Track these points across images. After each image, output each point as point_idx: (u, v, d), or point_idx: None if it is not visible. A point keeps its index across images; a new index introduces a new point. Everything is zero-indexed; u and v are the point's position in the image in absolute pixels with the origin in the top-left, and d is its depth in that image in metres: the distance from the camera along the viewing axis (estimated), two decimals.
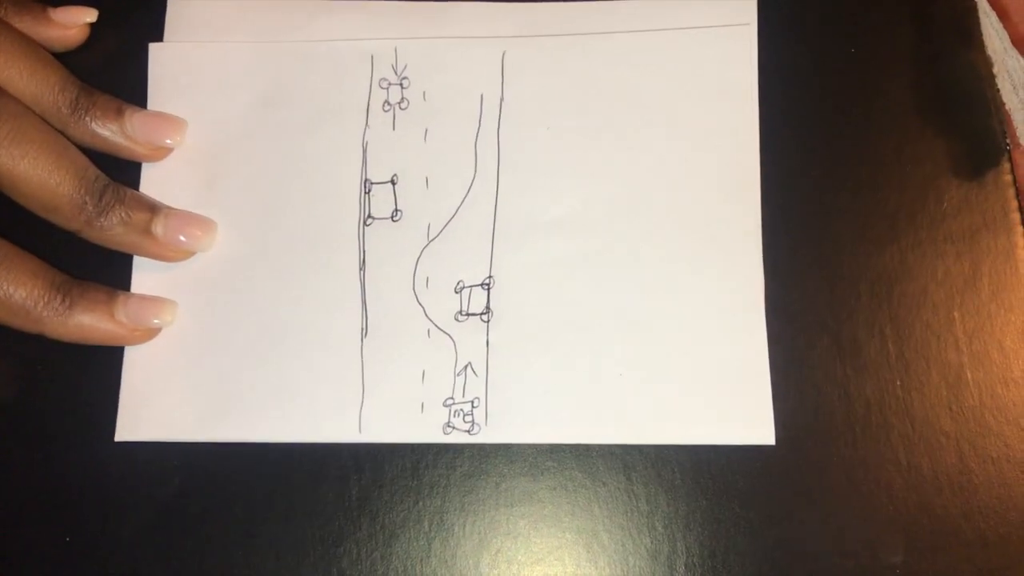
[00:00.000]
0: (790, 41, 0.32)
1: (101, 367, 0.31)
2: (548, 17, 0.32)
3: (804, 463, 0.29)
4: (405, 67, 0.32)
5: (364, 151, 0.32)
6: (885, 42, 0.32)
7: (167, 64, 0.33)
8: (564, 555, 0.29)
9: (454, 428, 0.30)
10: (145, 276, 0.32)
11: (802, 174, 0.32)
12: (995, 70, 0.32)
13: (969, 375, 0.30)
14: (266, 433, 0.30)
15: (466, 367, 0.30)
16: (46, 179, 0.29)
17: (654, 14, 0.32)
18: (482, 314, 0.31)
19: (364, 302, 0.31)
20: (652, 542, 0.29)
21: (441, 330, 0.31)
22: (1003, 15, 0.33)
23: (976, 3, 0.32)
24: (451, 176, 0.32)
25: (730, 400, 0.30)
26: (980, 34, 0.32)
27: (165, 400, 0.31)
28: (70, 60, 0.32)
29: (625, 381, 0.30)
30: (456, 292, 0.31)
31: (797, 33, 0.32)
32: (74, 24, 0.32)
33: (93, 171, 0.30)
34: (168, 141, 0.32)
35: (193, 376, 0.31)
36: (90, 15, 0.32)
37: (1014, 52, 0.33)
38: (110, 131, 0.31)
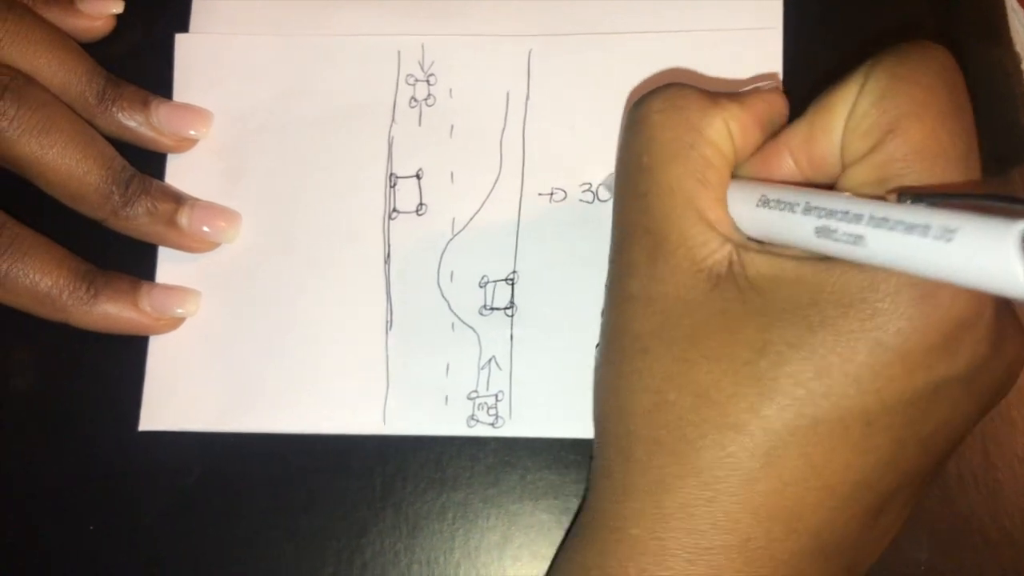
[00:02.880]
0: (815, 44, 0.32)
1: (125, 357, 0.31)
2: (574, 16, 0.33)
3: None
4: (432, 64, 0.32)
5: (390, 145, 0.32)
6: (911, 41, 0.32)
7: (193, 55, 0.33)
8: None
9: (478, 421, 0.30)
10: (170, 267, 0.32)
11: None
12: (1023, 67, 0.32)
13: None
14: (290, 424, 0.30)
15: (490, 361, 0.30)
16: (73, 168, 0.29)
17: (680, 16, 0.32)
18: (506, 308, 0.31)
19: (389, 295, 0.31)
20: None
21: (465, 324, 0.31)
22: None
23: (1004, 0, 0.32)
24: (476, 171, 0.32)
25: None
26: (1008, 30, 0.32)
27: (189, 390, 0.31)
28: (97, 50, 0.32)
29: None
30: (480, 286, 0.31)
31: (822, 36, 0.32)
32: (101, 14, 0.32)
33: (120, 161, 0.30)
34: (193, 132, 0.32)
35: (217, 367, 0.31)
36: (117, 5, 0.32)
37: None
38: (136, 122, 0.31)
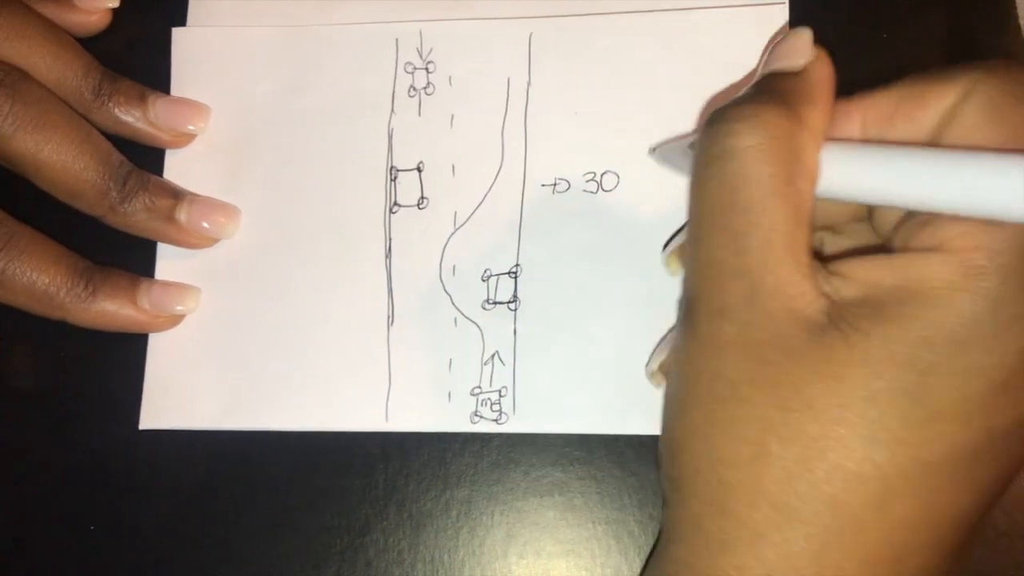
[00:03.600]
0: (822, 24, 0.31)
1: (125, 355, 0.31)
2: None
3: None
4: (431, 51, 0.32)
5: (390, 138, 0.32)
6: (918, 27, 0.32)
7: (190, 49, 0.33)
8: (593, 546, 0.29)
9: (481, 417, 0.30)
10: (169, 263, 0.31)
11: None
12: None
13: None
14: (292, 421, 0.30)
15: (493, 356, 0.30)
16: (70, 164, 0.29)
17: None
18: (509, 302, 0.30)
19: (390, 290, 0.31)
20: None
21: (468, 318, 0.30)
22: None
23: None
24: (478, 163, 0.31)
25: None
26: (1016, 18, 0.31)
27: (189, 388, 0.30)
28: (93, 45, 0.31)
29: None
30: (483, 280, 0.31)
31: (829, 17, 0.32)
32: (97, 9, 0.32)
33: (117, 157, 0.30)
34: (191, 127, 0.32)
35: (218, 364, 0.31)
36: (113, 0, 0.32)
37: None
38: (133, 117, 0.31)
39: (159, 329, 0.31)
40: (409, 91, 0.32)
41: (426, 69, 0.32)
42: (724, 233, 0.22)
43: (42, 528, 0.30)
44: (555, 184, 0.31)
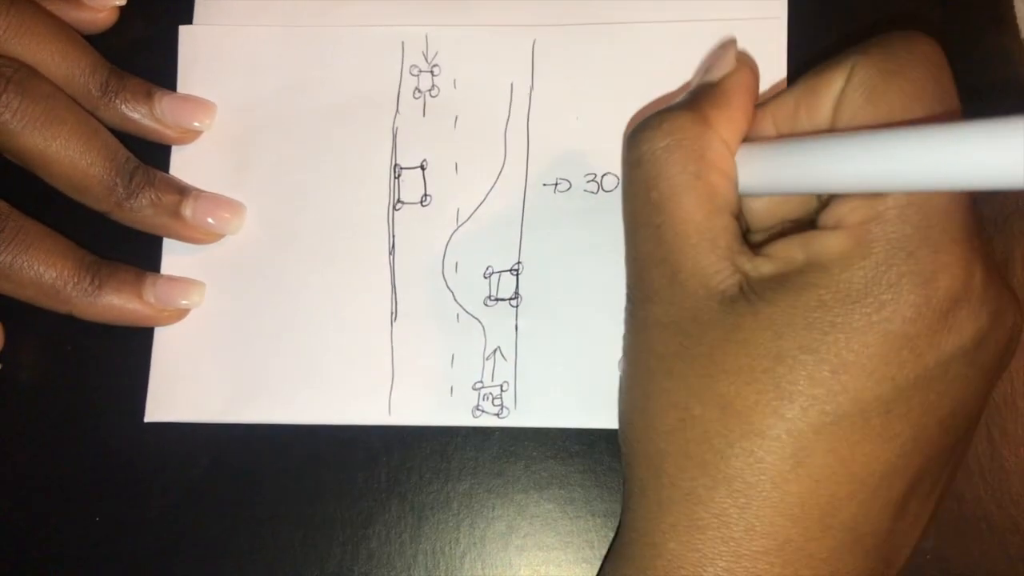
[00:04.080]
0: (819, 34, 0.32)
1: (131, 348, 0.31)
2: (578, 6, 0.32)
3: None
4: (436, 54, 0.32)
5: (394, 136, 0.32)
6: (915, 29, 0.32)
7: (197, 47, 0.33)
8: (593, 538, 0.29)
9: (483, 412, 0.30)
10: (175, 258, 0.32)
11: None
12: None
13: None
14: (296, 415, 0.30)
15: (495, 351, 0.30)
16: (77, 160, 0.29)
17: (685, 5, 0.32)
18: (511, 299, 0.31)
19: (394, 286, 0.31)
20: None
21: (470, 315, 0.31)
22: None
23: None
24: (480, 162, 0.32)
25: None
26: (1014, 19, 0.32)
27: (195, 381, 0.31)
28: (100, 43, 0.31)
29: None
30: (485, 277, 0.31)
31: (826, 26, 0.32)
32: (104, 6, 0.32)
33: (123, 153, 0.30)
34: (197, 124, 0.32)
35: (223, 358, 0.31)
36: None
37: None
38: (140, 114, 0.31)
39: (165, 323, 0.31)
40: (414, 93, 0.32)
41: (431, 72, 0.32)
42: (646, 228, 0.24)
43: (48, 520, 0.30)
44: (556, 184, 0.32)
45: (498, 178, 0.32)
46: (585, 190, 0.31)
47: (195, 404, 0.31)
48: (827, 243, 0.22)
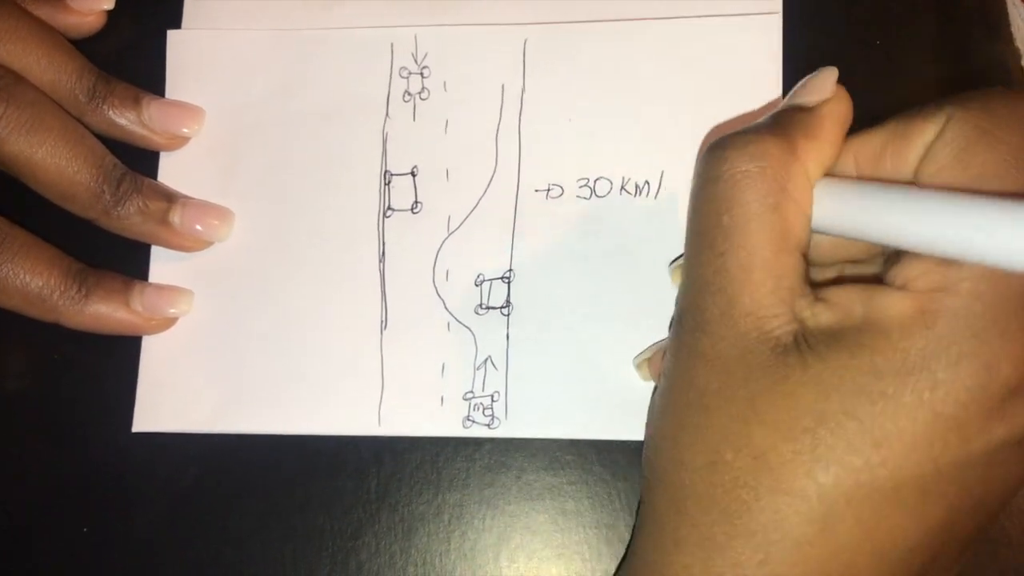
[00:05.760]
0: (814, 31, 0.32)
1: (119, 358, 0.31)
2: (570, 4, 0.32)
3: None
4: (425, 55, 0.32)
5: (384, 142, 0.32)
6: (910, 33, 0.32)
7: (185, 52, 0.33)
8: (584, 549, 0.29)
9: (474, 422, 0.30)
10: (163, 266, 0.31)
11: None
12: (1023, 63, 0.31)
13: None
14: (284, 425, 0.30)
15: (486, 361, 0.30)
16: (64, 167, 0.29)
17: (678, 2, 0.32)
18: (502, 307, 0.30)
19: (384, 294, 0.31)
20: None
21: (461, 323, 0.30)
22: None
23: None
24: (472, 168, 0.31)
25: None
26: (1008, 25, 0.32)
27: (183, 391, 0.30)
28: (87, 48, 0.31)
29: None
30: (476, 285, 0.31)
31: (821, 24, 0.32)
32: (91, 11, 0.32)
33: (111, 159, 0.30)
34: (185, 130, 0.32)
35: (211, 367, 0.31)
36: (107, 2, 0.32)
37: None
38: (127, 120, 0.31)
39: (152, 332, 0.31)
40: (404, 96, 0.32)
41: (421, 74, 0.32)
42: (709, 252, 0.23)
43: (35, 531, 0.30)
44: (548, 189, 0.31)
45: (489, 184, 0.31)
46: (578, 196, 0.31)
47: (183, 414, 0.30)
48: (891, 304, 0.21)
